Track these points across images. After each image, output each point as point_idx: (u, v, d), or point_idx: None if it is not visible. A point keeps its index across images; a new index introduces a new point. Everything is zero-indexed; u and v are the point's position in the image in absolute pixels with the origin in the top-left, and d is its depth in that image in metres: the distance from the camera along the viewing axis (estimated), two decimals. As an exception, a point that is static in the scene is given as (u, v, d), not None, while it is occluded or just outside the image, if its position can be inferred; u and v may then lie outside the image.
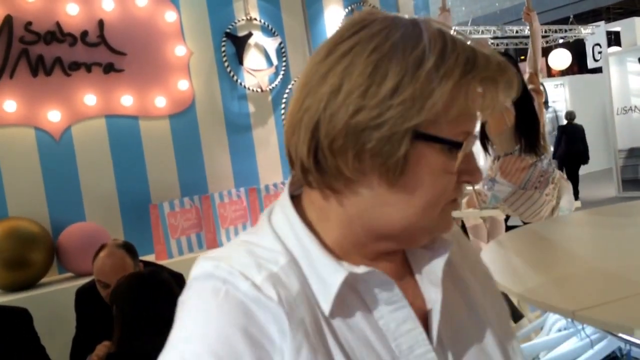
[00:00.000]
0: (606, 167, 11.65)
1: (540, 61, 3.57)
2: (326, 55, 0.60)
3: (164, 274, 1.84)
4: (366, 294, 0.62)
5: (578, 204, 3.34)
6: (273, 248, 0.62)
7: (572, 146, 9.17)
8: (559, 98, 13.28)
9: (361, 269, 0.60)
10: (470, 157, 0.62)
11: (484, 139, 3.37)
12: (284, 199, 0.67)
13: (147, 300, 1.73)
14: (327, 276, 0.60)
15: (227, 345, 0.55)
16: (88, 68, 3.45)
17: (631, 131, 9.50)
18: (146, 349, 1.65)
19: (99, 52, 3.49)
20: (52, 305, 2.87)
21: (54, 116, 3.35)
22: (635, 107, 9.47)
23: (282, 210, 0.66)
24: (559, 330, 1.64)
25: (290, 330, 0.56)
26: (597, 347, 1.42)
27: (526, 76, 3.40)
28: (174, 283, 1.84)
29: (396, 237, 0.63)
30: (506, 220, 3.89)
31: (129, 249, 2.30)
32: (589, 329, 1.46)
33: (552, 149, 8.45)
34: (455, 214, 3.53)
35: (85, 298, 2.43)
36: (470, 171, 0.62)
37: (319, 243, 0.62)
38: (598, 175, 12.03)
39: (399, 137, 0.57)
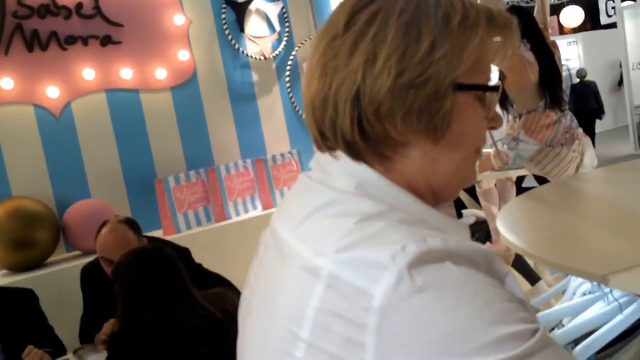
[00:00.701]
0: (622, 124, 11.43)
1: (549, 15, 3.40)
2: (345, 28, 0.61)
3: (167, 249, 1.77)
4: None
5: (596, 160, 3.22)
6: (410, 218, 0.58)
7: (584, 104, 9.12)
8: (572, 56, 12.97)
9: (468, 220, 0.63)
10: (493, 102, 0.65)
11: (503, 98, 3.23)
12: (353, 165, 0.62)
13: (150, 276, 1.67)
14: (455, 232, 0.61)
15: (498, 288, 0.53)
16: (85, 41, 3.35)
17: (647, 87, 9.23)
18: (150, 326, 1.60)
19: (95, 25, 3.38)
20: (60, 285, 2.84)
21: (52, 92, 3.26)
22: (651, 61, 9.19)
23: (361, 176, 0.61)
24: (584, 294, 1.54)
25: (505, 272, 0.59)
26: (626, 312, 1.32)
27: None
28: (178, 258, 1.77)
29: (441, 193, 0.65)
30: (520, 182, 3.78)
31: (131, 224, 2.23)
32: (616, 292, 1.37)
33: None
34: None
35: (91, 276, 2.39)
36: (495, 117, 0.66)
37: (425, 204, 0.62)
38: (614, 133, 11.80)
39: (444, 91, 0.59)
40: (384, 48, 0.58)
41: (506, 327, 0.49)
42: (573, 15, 11.02)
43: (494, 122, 0.66)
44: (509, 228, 1.47)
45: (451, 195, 0.67)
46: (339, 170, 0.62)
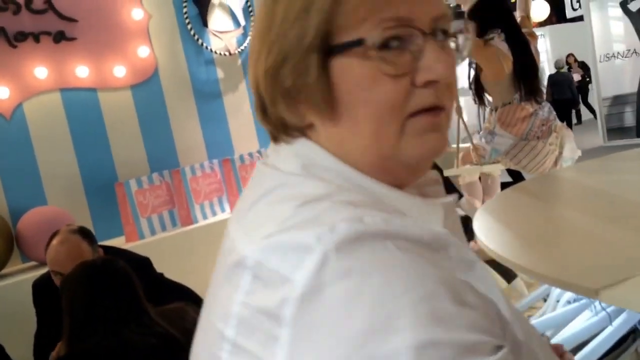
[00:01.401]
0: (591, 116, 11.60)
1: (531, 3, 3.33)
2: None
3: (119, 262, 1.63)
4: None
5: (579, 152, 3.16)
6: (362, 199, 0.50)
7: (560, 94, 9.63)
8: (540, 49, 13.10)
9: (446, 199, 0.55)
10: (419, 50, 0.51)
11: (479, 90, 3.16)
12: (308, 146, 0.55)
13: (99, 293, 1.52)
14: (422, 213, 0.52)
15: (446, 283, 0.42)
16: (36, 38, 3.15)
17: (615, 78, 9.32)
18: (99, 348, 1.45)
19: (47, 20, 3.19)
20: (13, 298, 2.65)
21: (2, 93, 3.06)
22: (618, 53, 9.29)
23: (307, 155, 0.55)
24: (568, 302, 1.44)
25: (477, 259, 0.49)
26: (616, 322, 1.22)
27: (517, 20, 3.18)
28: (132, 272, 1.62)
29: (379, 173, 0.53)
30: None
31: (85, 233, 2.07)
32: (604, 301, 1.27)
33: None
34: (453, 171, 3.36)
35: (43, 290, 2.22)
36: (426, 67, 0.51)
37: (381, 183, 0.53)
38: (583, 125, 11.95)
39: (305, 63, 0.51)
40: (255, 31, 0.55)
41: (447, 332, 0.39)
42: (539, 9, 11.12)
43: (427, 73, 0.51)
44: (486, 230, 1.37)
45: (399, 178, 0.55)
46: (287, 151, 0.56)
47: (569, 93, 9.96)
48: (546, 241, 1.15)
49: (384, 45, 0.50)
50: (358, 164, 0.53)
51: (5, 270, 2.97)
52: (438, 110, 0.52)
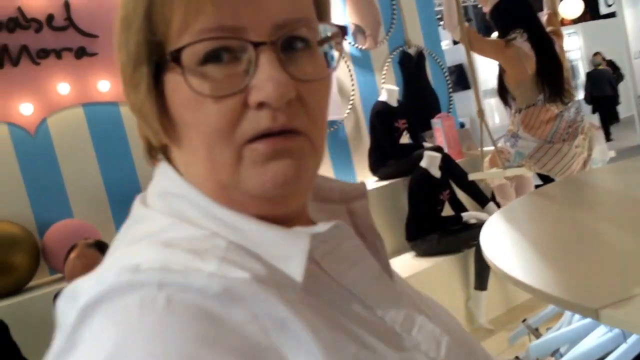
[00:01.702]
0: (628, 114, 11.26)
1: (559, 1, 3.24)
2: None
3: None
4: (321, 255, 0.47)
5: (612, 153, 3.04)
6: (193, 234, 0.44)
7: (599, 91, 9.61)
8: (573, 47, 12.80)
9: (323, 227, 0.45)
10: (252, 65, 0.43)
11: (503, 92, 3.08)
12: (164, 171, 0.51)
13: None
14: (282, 247, 0.44)
15: None
16: (58, 54, 3.21)
17: (651, 75, 9.02)
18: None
19: (68, 36, 3.24)
20: (40, 311, 2.70)
21: (26, 109, 3.13)
22: (654, 49, 8.99)
23: (161, 182, 0.50)
24: (584, 317, 1.38)
25: (292, 315, 0.39)
26: (631, 340, 1.15)
27: (544, 18, 3.09)
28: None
29: (227, 202, 0.46)
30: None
31: (101, 247, 2.10)
32: (619, 316, 1.20)
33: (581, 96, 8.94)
34: (478, 175, 3.28)
35: (63, 304, 2.25)
36: (255, 86, 0.43)
37: (245, 215, 0.46)
38: (620, 123, 11.59)
39: (136, 77, 0.46)
40: None
41: None
42: (572, 6, 10.87)
43: (259, 92, 0.43)
44: (491, 238, 1.31)
45: (250, 209, 0.46)
46: (154, 177, 0.52)
47: (609, 89, 9.76)
48: (554, 252, 1.09)
49: (209, 60, 0.43)
50: (205, 192, 0.47)
51: (32, 283, 3.02)
52: (288, 134, 0.44)
